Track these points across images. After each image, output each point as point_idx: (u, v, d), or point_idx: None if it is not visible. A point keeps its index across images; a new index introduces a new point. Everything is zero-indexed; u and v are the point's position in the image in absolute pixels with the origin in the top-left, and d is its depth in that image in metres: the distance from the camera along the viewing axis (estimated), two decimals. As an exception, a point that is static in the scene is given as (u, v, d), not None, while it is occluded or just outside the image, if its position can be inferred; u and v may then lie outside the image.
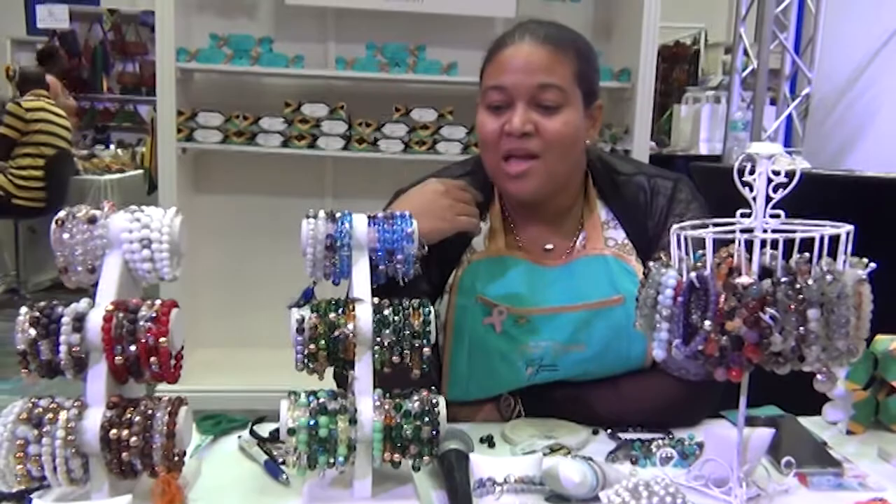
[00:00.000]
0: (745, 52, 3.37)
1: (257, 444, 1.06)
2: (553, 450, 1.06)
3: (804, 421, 1.23)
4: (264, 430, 1.11)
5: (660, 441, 1.12)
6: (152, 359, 0.83)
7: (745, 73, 3.36)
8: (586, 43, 1.28)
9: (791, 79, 3.44)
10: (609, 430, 1.17)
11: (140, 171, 5.12)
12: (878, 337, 1.19)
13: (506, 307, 1.21)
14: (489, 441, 1.12)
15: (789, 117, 3.35)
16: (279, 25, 3.21)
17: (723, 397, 1.25)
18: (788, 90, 3.40)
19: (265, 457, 1.03)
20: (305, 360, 0.90)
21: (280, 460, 0.92)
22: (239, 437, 1.09)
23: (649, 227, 1.27)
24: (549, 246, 1.29)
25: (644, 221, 1.28)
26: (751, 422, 1.11)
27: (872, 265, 0.89)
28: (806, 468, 1.04)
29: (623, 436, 1.15)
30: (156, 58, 2.93)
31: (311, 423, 0.87)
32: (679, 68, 6.33)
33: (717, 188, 1.35)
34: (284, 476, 0.98)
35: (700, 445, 1.10)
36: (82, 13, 7.31)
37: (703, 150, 3.70)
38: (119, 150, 5.26)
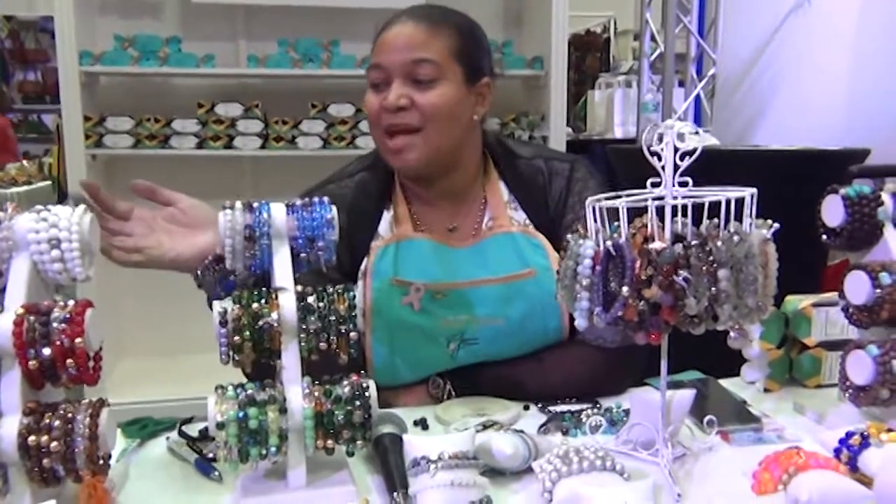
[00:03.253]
0: (653, 38, 3.47)
1: (186, 443, 1.04)
2: (486, 426, 1.07)
3: (724, 382, 1.29)
4: (193, 429, 1.09)
5: (588, 411, 1.15)
6: (69, 361, 0.81)
7: (653, 58, 3.45)
8: (470, 22, 1.31)
9: (697, 61, 3.55)
10: (539, 405, 1.19)
11: (46, 183, 4.93)
12: (788, 297, 1.25)
13: (422, 284, 1.23)
14: (423, 424, 1.12)
15: (697, 97, 3.45)
16: (186, 24, 3.13)
17: (647, 366, 1.29)
18: (695, 72, 3.51)
19: (195, 455, 1.01)
20: (230, 353, 0.89)
21: (210, 456, 0.90)
22: (167, 438, 1.07)
23: (550, 207, 1.31)
24: (453, 226, 1.31)
25: (544, 203, 1.31)
26: (675, 386, 1.16)
27: (776, 225, 0.93)
28: (727, 426, 1.09)
29: (553, 409, 1.18)
30: (57, 62, 2.81)
31: (241, 415, 0.86)
32: (591, 56, 6.44)
33: (634, 169, 1.40)
34: (216, 473, 0.97)
35: (627, 412, 1.13)
36: (-25, 22, 6.99)
37: (618, 133, 3.80)
38: (25, 163, 5.05)
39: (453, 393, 1.24)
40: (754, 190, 0.92)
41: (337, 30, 3.12)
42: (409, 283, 1.24)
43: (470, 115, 1.27)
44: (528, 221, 1.29)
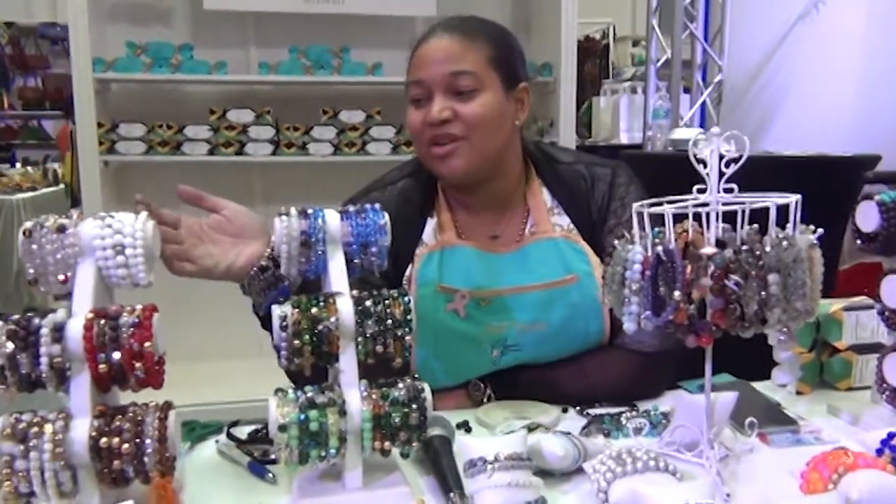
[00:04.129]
0: (659, 44, 3.50)
1: (236, 446, 1.06)
2: (531, 429, 1.09)
3: (755, 385, 1.31)
4: (240, 432, 1.10)
5: (627, 414, 1.17)
6: (137, 364, 0.82)
7: (659, 64, 3.48)
8: (503, 30, 1.33)
9: (702, 67, 3.58)
10: (578, 408, 1.21)
11: (54, 189, 4.94)
12: (819, 301, 1.27)
13: (467, 291, 1.25)
14: (465, 426, 1.14)
15: (703, 104, 3.49)
16: (198, 32, 3.15)
17: (677, 370, 1.31)
18: (701, 78, 3.54)
19: (247, 458, 1.03)
20: (290, 357, 0.90)
21: (272, 456, 0.91)
22: (216, 441, 1.09)
23: (593, 212, 1.33)
24: (496, 234, 1.33)
25: (587, 208, 1.33)
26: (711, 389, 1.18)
27: (820, 231, 0.96)
28: (765, 428, 1.11)
29: (592, 412, 1.20)
30: (72, 69, 2.82)
31: (302, 417, 0.87)
32: (590, 62, 6.47)
33: (645, 174, 1.42)
34: (270, 474, 0.98)
35: (664, 415, 1.15)
36: (-25, 28, 7.00)
37: (624, 139, 3.83)
38: (29, 168, 5.05)
39: (492, 396, 1.26)
40: (798, 197, 0.94)
41: (347, 37, 3.14)
42: (455, 289, 1.26)
43: (511, 122, 1.29)
44: (571, 226, 1.31)
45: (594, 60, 6.58)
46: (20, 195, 4.64)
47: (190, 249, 1.10)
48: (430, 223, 1.32)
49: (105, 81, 2.96)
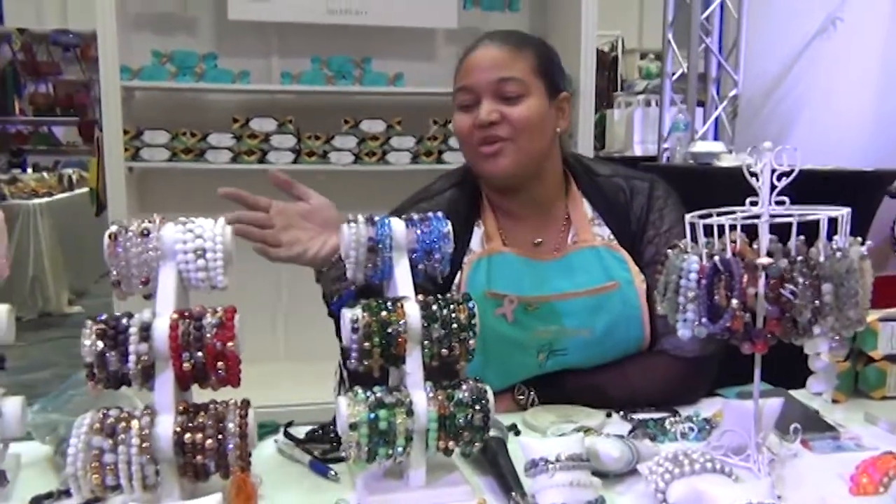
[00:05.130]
0: (675, 57, 3.55)
1: (296, 445, 1.09)
2: (581, 431, 1.12)
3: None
4: (297, 432, 1.14)
5: (671, 419, 1.20)
6: (219, 364, 0.86)
7: (675, 77, 3.53)
8: (546, 44, 1.40)
9: (717, 81, 3.63)
10: (621, 412, 1.24)
11: (69, 194, 4.97)
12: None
13: (515, 296, 1.29)
14: (514, 429, 1.17)
15: (717, 118, 3.53)
16: (222, 41, 3.19)
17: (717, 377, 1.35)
18: (715, 92, 3.59)
19: (308, 457, 1.06)
20: (360, 358, 0.94)
21: (343, 454, 0.95)
22: (276, 441, 1.12)
23: (632, 223, 1.37)
24: (539, 240, 1.37)
25: (627, 219, 1.37)
26: (748, 396, 1.21)
27: (869, 242, 0.99)
28: (807, 434, 1.14)
29: (635, 416, 1.23)
30: (99, 77, 2.86)
31: (372, 417, 0.91)
32: (599, 74, 6.53)
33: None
34: (333, 472, 1.02)
35: (707, 421, 1.19)
36: (-12, 33, 7.05)
37: (638, 151, 3.87)
38: (45, 173, 5.09)
39: (537, 400, 1.30)
40: (849, 210, 0.98)
41: (369, 48, 3.19)
42: (503, 295, 1.29)
43: (553, 128, 1.34)
44: (611, 236, 1.35)
45: (603, 72, 6.63)
46: (36, 200, 4.69)
47: (279, 233, 1.19)
48: (478, 231, 1.37)
49: (130, 89, 3.00)
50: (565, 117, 1.37)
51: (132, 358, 0.84)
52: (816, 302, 0.92)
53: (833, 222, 0.97)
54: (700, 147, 2.79)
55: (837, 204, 1.06)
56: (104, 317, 0.86)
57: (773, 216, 0.99)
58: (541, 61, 1.33)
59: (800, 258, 0.93)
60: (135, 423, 0.83)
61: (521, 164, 1.31)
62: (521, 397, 1.30)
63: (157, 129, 2.97)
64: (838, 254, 0.93)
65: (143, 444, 0.83)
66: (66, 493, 0.93)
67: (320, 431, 1.14)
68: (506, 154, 1.29)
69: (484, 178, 1.37)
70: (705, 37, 3.47)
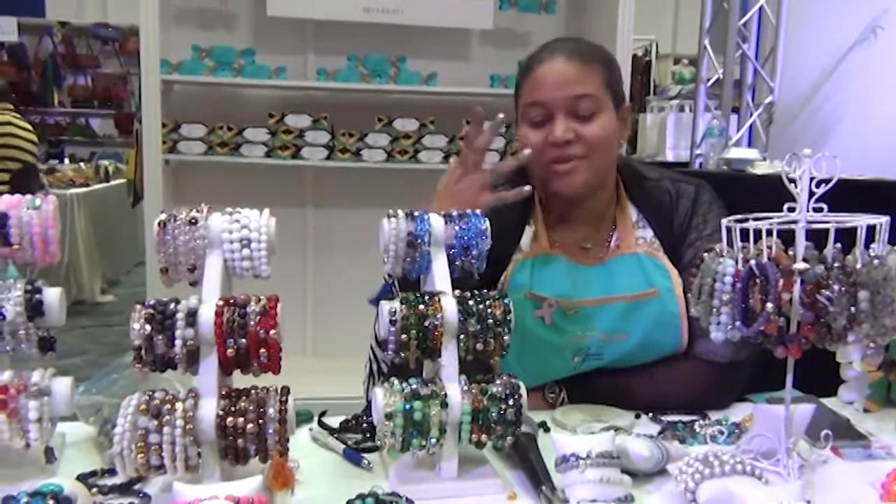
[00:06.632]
0: (710, 63, 3.53)
1: (330, 434, 1.11)
2: (615, 430, 1.13)
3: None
4: (331, 422, 1.16)
5: (700, 422, 1.21)
6: (262, 350, 0.88)
7: (710, 83, 3.51)
8: (609, 53, 1.38)
9: (752, 88, 3.60)
10: (650, 414, 1.25)
11: (105, 185, 5.06)
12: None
13: (555, 300, 1.30)
14: (544, 426, 1.19)
15: (751, 124, 3.51)
16: (259, 37, 3.23)
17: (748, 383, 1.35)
18: (750, 98, 3.57)
19: (342, 446, 1.08)
20: (398, 350, 0.96)
21: (378, 444, 0.97)
22: (310, 429, 1.14)
23: (675, 226, 1.37)
24: (588, 245, 1.38)
25: (671, 222, 1.37)
26: (778, 402, 1.21)
27: (908, 251, 0.99)
28: (837, 442, 1.14)
29: (664, 419, 1.24)
30: (140, 71, 2.91)
31: (407, 407, 0.93)
32: (633, 79, 6.51)
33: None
34: (366, 461, 1.04)
35: (736, 425, 1.19)
36: (31, 25, 7.18)
37: (670, 157, 3.85)
38: (82, 164, 5.19)
39: (566, 399, 1.31)
40: (887, 218, 0.98)
41: (405, 47, 3.21)
42: (543, 297, 1.30)
43: (619, 140, 1.35)
44: (654, 239, 1.36)
45: (636, 77, 6.61)
46: (73, 190, 4.78)
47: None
48: (528, 231, 1.37)
49: (169, 83, 3.05)
50: (627, 127, 1.38)
51: (178, 342, 0.87)
52: (852, 309, 0.93)
53: (871, 231, 0.97)
54: (734, 153, 2.77)
55: (875, 213, 1.06)
56: (152, 302, 0.89)
57: (810, 222, 0.99)
58: (608, 74, 1.32)
59: (836, 265, 0.94)
60: (179, 406, 0.86)
61: (593, 181, 1.32)
62: (552, 395, 1.31)
63: (194, 123, 3.02)
64: (875, 261, 0.93)
65: (187, 426, 0.85)
66: (111, 472, 0.96)
67: (353, 422, 1.16)
68: (579, 171, 1.30)
69: (553, 193, 1.37)
70: (742, 43, 3.44)
